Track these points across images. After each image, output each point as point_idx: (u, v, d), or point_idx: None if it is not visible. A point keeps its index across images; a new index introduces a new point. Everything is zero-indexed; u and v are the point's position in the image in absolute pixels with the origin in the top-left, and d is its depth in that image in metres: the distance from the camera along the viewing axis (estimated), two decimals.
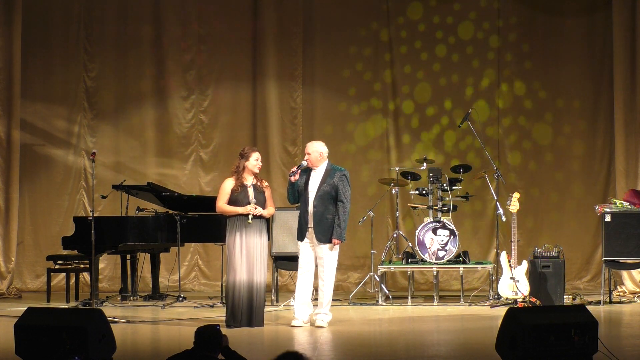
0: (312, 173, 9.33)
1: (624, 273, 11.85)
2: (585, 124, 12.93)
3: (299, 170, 9.28)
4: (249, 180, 9.36)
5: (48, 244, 12.91)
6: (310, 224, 9.23)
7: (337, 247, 9.34)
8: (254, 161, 9.35)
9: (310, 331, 9.07)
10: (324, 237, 9.23)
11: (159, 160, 13.31)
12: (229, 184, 9.38)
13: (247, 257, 9.25)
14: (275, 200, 12.55)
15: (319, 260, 9.32)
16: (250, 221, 9.25)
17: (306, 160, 9.32)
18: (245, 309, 9.22)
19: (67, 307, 10.88)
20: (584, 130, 12.93)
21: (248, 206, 9.25)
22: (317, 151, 9.33)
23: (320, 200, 9.23)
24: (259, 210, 9.28)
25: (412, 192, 11.74)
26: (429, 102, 13.19)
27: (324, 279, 9.30)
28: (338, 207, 9.24)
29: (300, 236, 9.31)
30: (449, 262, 11.24)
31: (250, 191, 9.32)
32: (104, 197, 11.88)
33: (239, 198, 9.29)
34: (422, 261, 11.28)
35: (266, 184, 9.53)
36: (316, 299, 9.52)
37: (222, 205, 9.36)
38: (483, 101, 13.08)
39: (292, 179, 9.25)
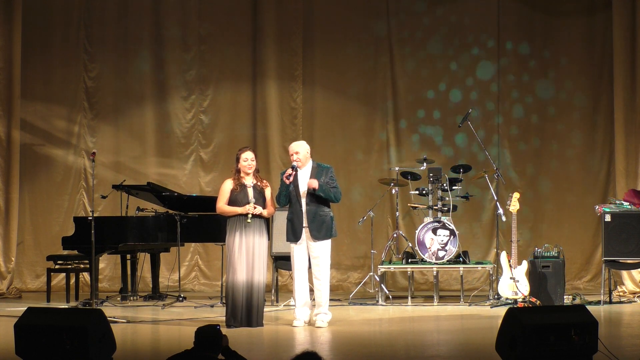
0: (299, 173, 9.33)
1: (624, 273, 11.85)
2: (585, 123, 12.93)
3: (295, 172, 9.28)
4: (249, 180, 9.38)
5: (48, 244, 12.91)
6: (305, 223, 9.24)
7: (329, 245, 9.33)
8: (243, 162, 9.38)
9: (311, 331, 9.07)
10: (319, 233, 9.24)
11: (159, 160, 13.31)
12: (228, 184, 9.40)
13: (247, 256, 9.25)
14: (274, 201, 12.60)
15: (313, 260, 9.32)
16: (249, 220, 9.25)
17: (296, 161, 9.31)
18: (245, 308, 9.22)
19: (67, 307, 10.88)
20: (583, 130, 12.93)
21: (247, 206, 9.26)
22: (306, 150, 9.38)
23: (312, 198, 9.25)
24: (259, 210, 9.29)
25: (412, 192, 11.74)
26: (429, 102, 13.19)
27: (320, 277, 9.30)
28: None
29: (294, 237, 9.29)
30: (449, 262, 11.24)
31: (250, 191, 9.34)
32: (104, 197, 11.88)
33: (239, 198, 9.31)
34: (422, 261, 11.28)
35: (266, 183, 9.54)
36: (314, 299, 9.53)
37: (222, 205, 9.37)
38: (483, 101, 13.08)
39: (288, 181, 9.24)
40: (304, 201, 9.26)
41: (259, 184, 9.42)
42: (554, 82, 13.01)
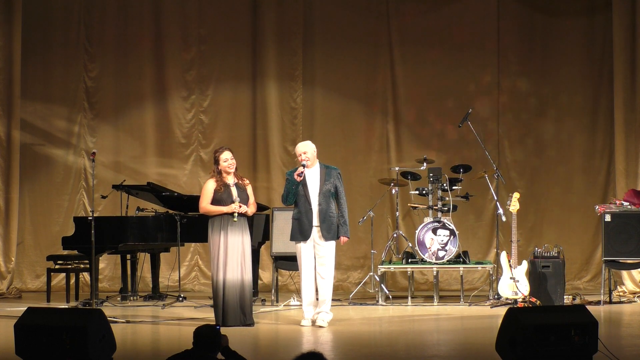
0: (307, 172, 9.35)
1: (624, 273, 11.85)
2: (585, 124, 12.93)
3: (304, 170, 9.33)
4: (230, 179, 9.37)
5: (48, 244, 12.91)
6: (317, 222, 9.26)
7: (335, 245, 9.37)
8: (224, 163, 9.36)
9: (311, 331, 9.08)
10: (329, 234, 9.28)
11: (159, 160, 13.31)
12: (211, 184, 9.39)
13: (236, 255, 9.26)
14: (274, 201, 12.60)
15: (319, 259, 9.33)
16: (235, 219, 9.26)
17: (305, 160, 9.33)
18: (240, 307, 9.23)
19: (67, 307, 10.89)
20: (584, 130, 12.93)
21: (232, 205, 9.26)
22: (313, 149, 9.42)
23: (324, 198, 9.29)
24: (244, 209, 9.31)
25: (412, 192, 11.74)
26: (429, 102, 13.19)
27: (325, 277, 9.32)
28: (341, 204, 9.36)
29: (303, 237, 9.30)
30: (449, 262, 11.24)
31: (234, 190, 9.33)
32: (104, 197, 11.89)
33: (223, 197, 9.30)
34: (422, 261, 11.28)
35: (247, 181, 9.54)
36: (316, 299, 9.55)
37: (206, 205, 9.36)
38: (483, 101, 13.08)
39: (300, 178, 9.27)
40: (315, 201, 9.29)
41: (240, 182, 9.42)
42: (554, 82, 13.00)
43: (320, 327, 9.21)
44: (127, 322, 9.76)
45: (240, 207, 9.28)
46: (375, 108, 13.24)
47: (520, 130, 13.07)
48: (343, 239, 9.37)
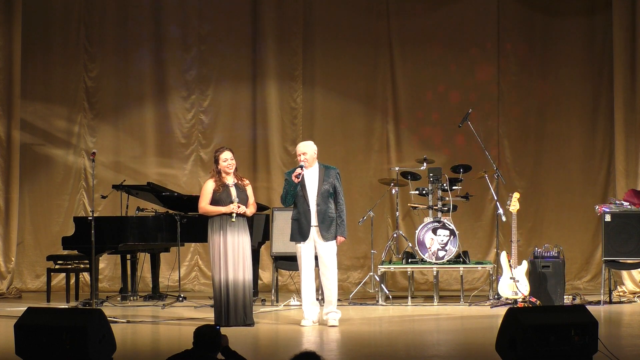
0: (306, 172, 9.36)
1: (624, 273, 11.85)
2: (585, 124, 12.92)
3: (302, 171, 9.33)
4: (230, 180, 9.37)
5: (48, 244, 12.91)
6: (315, 222, 9.27)
7: (336, 244, 9.38)
8: (223, 162, 9.35)
9: (311, 331, 9.08)
10: (329, 234, 9.29)
11: (159, 160, 13.32)
12: (210, 185, 9.39)
13: (236, 255, 9.26)
14: (274, 201, 12.60)
15: (321, 259, 9.34)
16: (233, 219, 9.26)
17: (304, 162, 9.33)
18: (242, 307, 9.23)
19: (67, 307, 10.89)
20: (584, 130, 12.93)
21: (231, 205, 9.26)
22: (314, 150, 9.42)
23: (322, 198, 9.29)
24: (242, 209, 9.30)
25: (412, 192, 11.74)
26: (429, 102, 13.19)
27: (329, 276, 9.34)
28: (339, 204, 9.35)
29: (302, 237, 9.30)
30: (449, 262, 11.24)
31: (233, 190, 9.33)
32: (104, 197, 11.89)
33: (222, 198, 9.30)
34: (422, 261, 11.28)
35: (247, 182, 9.53)
36: (318, 299, 9.54)
37: (205, 205, 9.36)
38: (483, 101, 13.08)
39: (298, 180, 9.27)
40: (313, 201, 9.29)
41: (239, 182, 9.41)
42: (554, 82, 13.00)
43: (333, 326, 9.22)
44: (128, 322, 9.77)
45: (238, 207, 9.28)
46: (375, 108, 13.24)
47: (520, 130, 13.07)
48: (340, 238, 9.36)
